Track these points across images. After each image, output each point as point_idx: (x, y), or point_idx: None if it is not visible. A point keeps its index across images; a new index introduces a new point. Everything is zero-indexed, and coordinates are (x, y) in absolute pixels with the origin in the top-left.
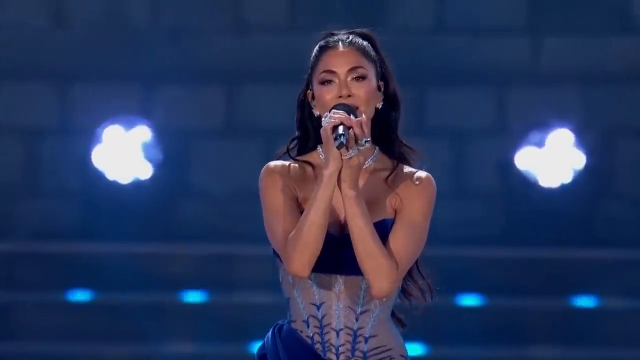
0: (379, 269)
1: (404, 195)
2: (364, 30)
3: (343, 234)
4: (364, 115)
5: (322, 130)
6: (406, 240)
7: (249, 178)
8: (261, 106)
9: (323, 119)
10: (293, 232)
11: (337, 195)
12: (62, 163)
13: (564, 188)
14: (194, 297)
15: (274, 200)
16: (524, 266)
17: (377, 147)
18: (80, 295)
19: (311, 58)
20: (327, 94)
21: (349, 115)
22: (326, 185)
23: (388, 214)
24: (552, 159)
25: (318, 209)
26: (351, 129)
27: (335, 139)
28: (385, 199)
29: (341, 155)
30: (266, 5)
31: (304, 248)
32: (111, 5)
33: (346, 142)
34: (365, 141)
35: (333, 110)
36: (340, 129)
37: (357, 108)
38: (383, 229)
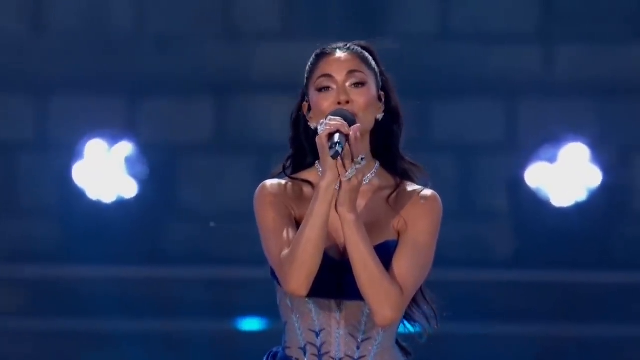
0: (383, 296)
1: (407, 216)
2: (362, 43)
3: (343, 259)
4: (358, 124)
5: (317, 139)
6: (411, 264)
7: (241, 196)
8: (254, 119)
9: (319, 127)
10: (288, 250)
11: (335, 218)
12: (40, 180)
13: (578, 207)
14: (182, 323)
15: (269, 219)
16: (535, 291)
17: (377, 162)
18: (60, 323)
19: (307, 67)
20: (325, 101)
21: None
22: (322, 199)
23: (391, 236)
24: (566, 175)
25: (314, 225)
26: (347, 142)
27: (331, 147)
28: (388, 220)
29: (338, 170)
30: (259, 10)
31: (300, 266)
32: (93, 11)
33: (342, 151)
34: (362, 158)
35: (329, 117)
36: (336, 137)
37: (355, 115)
38: (386, 252)
